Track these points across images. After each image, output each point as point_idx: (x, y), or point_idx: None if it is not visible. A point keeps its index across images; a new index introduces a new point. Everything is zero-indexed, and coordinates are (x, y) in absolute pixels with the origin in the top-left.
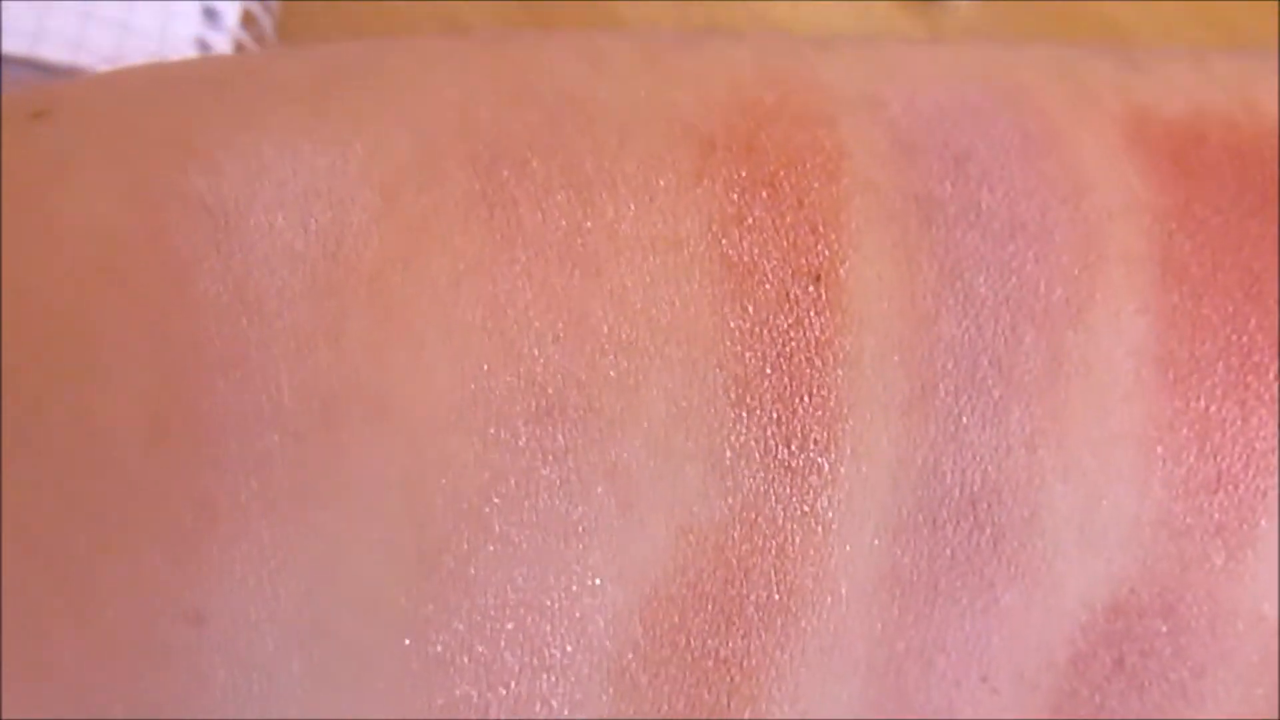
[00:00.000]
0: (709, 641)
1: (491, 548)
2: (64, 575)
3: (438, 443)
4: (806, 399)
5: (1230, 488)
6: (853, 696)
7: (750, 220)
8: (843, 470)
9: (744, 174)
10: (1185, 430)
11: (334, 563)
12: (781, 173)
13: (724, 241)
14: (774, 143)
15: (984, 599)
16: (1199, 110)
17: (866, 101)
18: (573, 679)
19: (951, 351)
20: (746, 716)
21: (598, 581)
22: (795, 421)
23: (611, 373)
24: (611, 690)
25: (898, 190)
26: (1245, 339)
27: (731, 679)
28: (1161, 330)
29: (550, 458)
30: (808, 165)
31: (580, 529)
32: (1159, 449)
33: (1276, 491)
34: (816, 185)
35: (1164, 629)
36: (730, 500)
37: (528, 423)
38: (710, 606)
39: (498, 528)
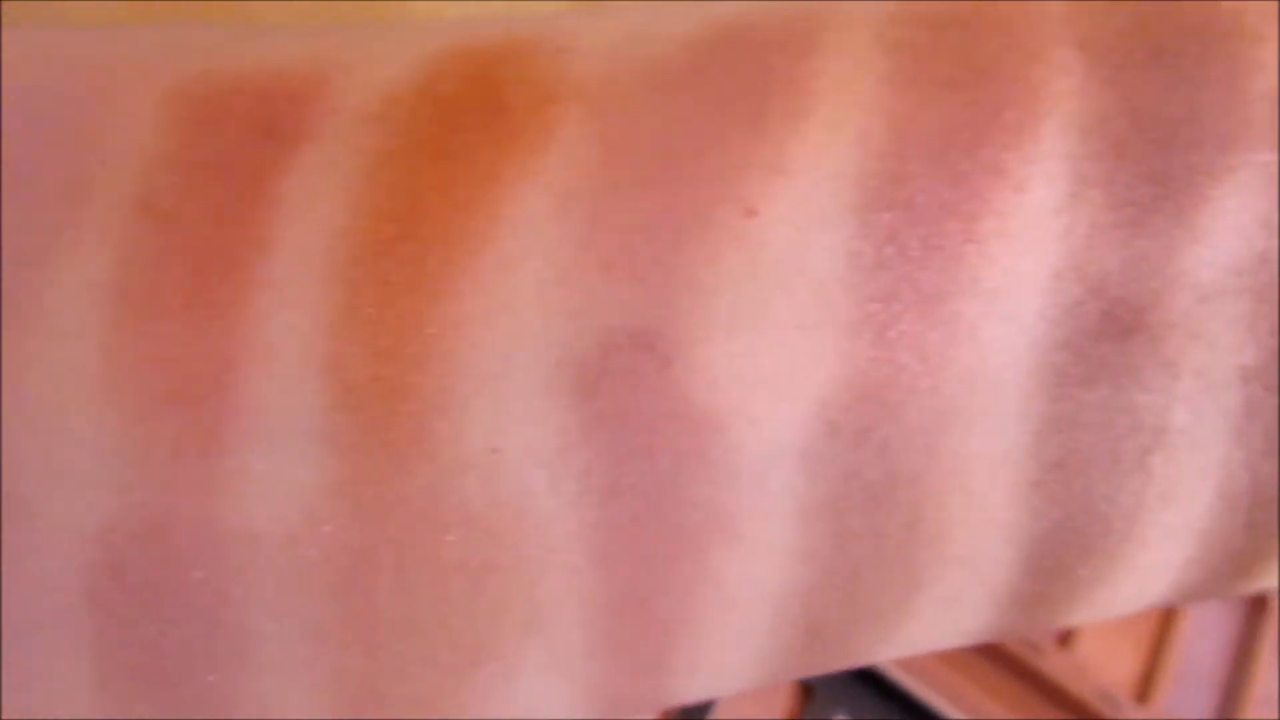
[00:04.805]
0: None
1: None
2: None
3: None
4: None
5: (185, 403)
6: None
7: None
8: None
9: None
10: (136, 355)
11: None
12: None
13: None
14: None
15: None
16: (241, 73)
17: None
18: None
19: None
20: None
21: None
22: None
23: None
24: None
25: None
26: (205, 269)
27: None
28: (121, 265)
29: None
30: None
31: None
32: (114, 375)
33: (241, 404)
34: None
35: (164, 553)
36: None
37: None
38: None
39: None
